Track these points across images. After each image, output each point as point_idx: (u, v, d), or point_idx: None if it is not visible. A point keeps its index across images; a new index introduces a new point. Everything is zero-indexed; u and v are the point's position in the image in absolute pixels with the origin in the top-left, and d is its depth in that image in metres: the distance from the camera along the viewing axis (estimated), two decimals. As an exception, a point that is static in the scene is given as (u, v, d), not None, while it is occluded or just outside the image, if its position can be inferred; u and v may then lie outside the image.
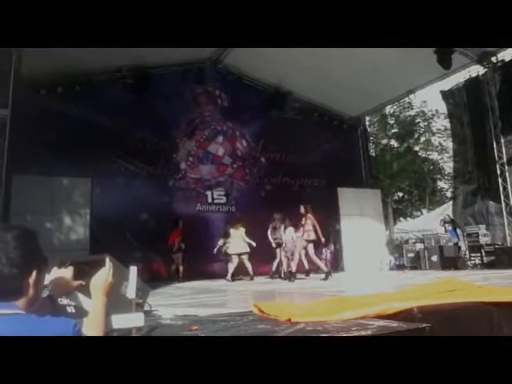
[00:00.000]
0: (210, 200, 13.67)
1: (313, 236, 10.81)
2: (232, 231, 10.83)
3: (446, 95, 16.82)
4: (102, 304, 1.63)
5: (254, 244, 10.66)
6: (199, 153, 13.88)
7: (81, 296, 1.92)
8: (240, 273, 11.19)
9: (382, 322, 2.26)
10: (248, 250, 10.66)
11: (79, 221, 11.12)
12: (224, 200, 13.87)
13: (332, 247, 14.88)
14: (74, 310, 1.97)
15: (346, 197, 14.98)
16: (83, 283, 1.81)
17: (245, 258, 10.67)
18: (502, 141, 13.82)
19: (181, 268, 11.07)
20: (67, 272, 1.80)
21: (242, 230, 10.76)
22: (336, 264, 14.81)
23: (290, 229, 11.19)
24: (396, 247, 15.80)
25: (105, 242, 10.59)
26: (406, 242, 16.05)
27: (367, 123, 19.39)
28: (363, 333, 2.03)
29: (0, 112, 8.87)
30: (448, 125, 21.02)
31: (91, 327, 1.49)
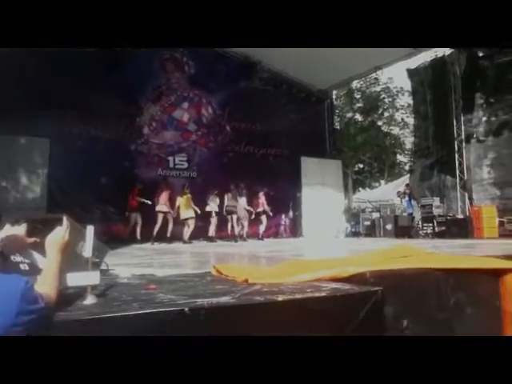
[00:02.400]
0: (171, 165, 13.51)
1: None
2: (179, 199, 11.31)
3: (412, 73, 17.11)
4: (57, 261, 1.62)
5: (198, 211, 11.39)
6: (163, 118, 13.60)
7: (35, 254, 1.88)
8: (197, 236, 11.45)
9: (335, 285, 2.34)
10: (193, 215, 11.23)
11: (36, 180, 10.80)
12: (185, 166, 13.74)
13: (291, 214, 15.21)
14: (27, 268, 1.94)
15: (309, 166, 15.20)
16: (38, 240, 1.78)
17: (191, 222, 11.17)
18: (462, 119, 14.27)
19: (138, 229, 10.99)
20: (21, 229, 1.76)
21: (187, 197, 11.30)
22: (295, 230, 15.17)
23: (243, 199, 11.89)
24: (353, 215, 16.25)
25: (63, 202, 10.37)
26: (363, 210, 16.56)
27: (334, 96, 19.46)
28: (317, 294, 2.10)
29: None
30: (411, 102, 21.46)
31: (44, 284, 1.48)
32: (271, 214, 13.07)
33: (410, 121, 25.37)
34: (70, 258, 1.79)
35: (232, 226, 12.22)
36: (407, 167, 28.01)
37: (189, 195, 11.36)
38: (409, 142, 27.88)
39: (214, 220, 11.80)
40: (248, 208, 12.53)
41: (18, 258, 1.93)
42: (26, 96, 10.36)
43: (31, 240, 1.79)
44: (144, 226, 11.07)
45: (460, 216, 13.32)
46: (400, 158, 31.01)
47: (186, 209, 11.22)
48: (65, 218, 1.75)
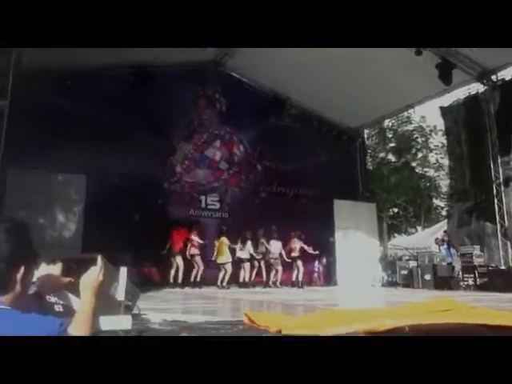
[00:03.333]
0: (203, 205, 13.60)
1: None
2: (216, 242, 11.37)
3: (445, 111, 16.85)
4: (91, 304, 1.59)
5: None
6: (196, 156, 13.83)
7: (70, 295, 1.87)
8: (232, 281, 11.36)
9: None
10: (230, 259, 11.22)
11: (72, 218, 11.03)
12: (217, 206, 13.82)
13: (325, 260, 14.84)
14: (61, 309, 1.93)
15: (342, 209, 14.94)
16: (72, 281, 1.76)
17: (227, 267, 11.14)
18: (499, 161, 13.82)
19: (180, 273, 10.87)
20: (56, 269, 1.76)
21: (223, 241, 11.31)
22: (329, 277, 14.77)
23: (278, 243, 11.75)
24: (389, 264, 15.73)
25: (97, 241, 10.51)
26: (400, 258, 15.99)
27: (365, 136, 19.41)
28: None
29: (-1, 102, 8.81)
30: (445, 142, 21.12)
31: (78, 327, 1.45)
32: (315, 252, 12.80)
33: (445, 162, 24.91)
34: (103, 300, 1.76)
35: (262, 273, 12.02)
36: (444, 212, 27.29)
37: (225, 239, 11.30)
38: (444, 184, 27.28)
39: (245, 265, 11.62)
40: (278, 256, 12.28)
41: (52, 299, 1.93)
42: (62, 131, 10.69)
43: (66, 280, 1.78)
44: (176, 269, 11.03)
45: (503, 267, 12.65)
46: (436, 201, 30.25)
47: (223, 253, 11.12)
48: (99, 258, 1.73)
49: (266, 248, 12.01)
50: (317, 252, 12.83)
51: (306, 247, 12.48)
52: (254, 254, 11.87)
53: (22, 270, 1.29)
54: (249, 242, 11.75)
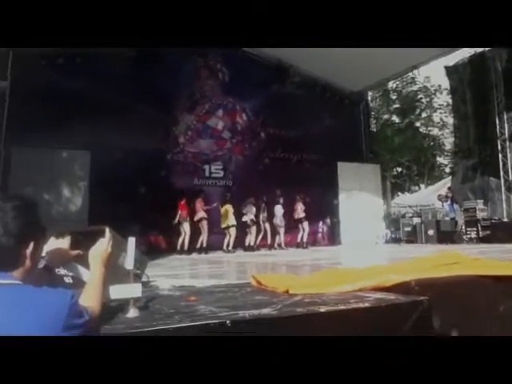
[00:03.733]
0: (207, 174, 13.64)
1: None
2: (221, 208, 11.64)
3: (450, 71, 16.60)
4: (100, 274, 1.63)
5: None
6: (198, 127, 13.77)
7: (79, 267, 1.91)
8: (234, 246, 11.56)
9: (379, 295, 2.27)
10: (235, 223, 11.48)
11: (78, 193, 11.12)
12: (221, 174, 13.85)
13: (329, 221, 15.00)
14: (71, 281, 1.97)
15: (346, 171, 14.99)
16: (81, 253, 1.80)
17: (232, 231, 11.43)
18: (505, 117, 13.70)
19: (186, 239, 11.04)
20: (65, 242, 1.79)
21: (228, 206, 11.57)
22: (333, 237, 14.96)
23: (279, 207, 11.94)
24: (393, 221, 15.88)
25: (103, 214, 10.60)
26: (403, 216, 16.15)
27: (369, 98, 19.18)
28: (361, 305, 2.04)
29: (-1, 84, 8.76)
30: (450, 101, 20.86)
31: (89, 298, 1.49)
32: (305, 220, 12.99)
33: (450, 121, 24.72)
34: (113, 271, 1.80)
35: (267, 236, 12.24)
36: (448, 169, 27.26)
37: (230, 204, 11.47)
38: (449, 142, 27.16)
39: (251, 230, 11.80)
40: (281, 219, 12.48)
41: (62, 271, 1.97)
42: (65, 108, 10.67)
43: (75, 252, 1.82)
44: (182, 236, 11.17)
45: (506, 219, 12.76)
46: (440, 159, 30.18)
47: (227, 217, 11.32)
48: (107, 230, 1.76)
49: (269, 212, 12.16)
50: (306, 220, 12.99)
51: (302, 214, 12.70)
52: (260, 218, 11.99)
53: (32, 245, 1.31)
54: (253, 207, 11.88)
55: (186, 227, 11.04)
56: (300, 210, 12.73)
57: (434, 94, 28.32)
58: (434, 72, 23.76)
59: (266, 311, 1.88)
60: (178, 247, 11.03)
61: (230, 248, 11.29)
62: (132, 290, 1.80)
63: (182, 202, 11.19)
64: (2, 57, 8.51)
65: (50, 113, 10.39)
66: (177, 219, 11.11)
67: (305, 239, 12.81)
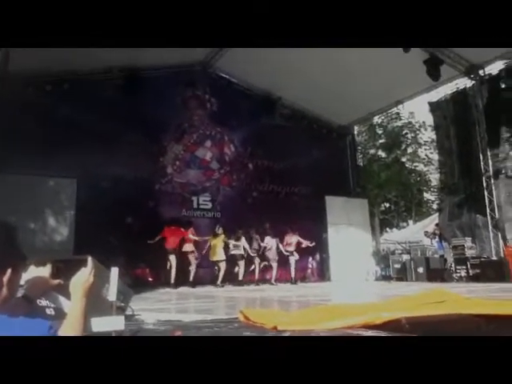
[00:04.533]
0: (195, 205, 13.56)
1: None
2: (211, 240, 11.42)
3: (433, 107, 17.01)
4: (81, 305, 1.55)
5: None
6: (186, 157, 13.78)
7: (61, 297, 1.83)
8: (227, 279, 11.38)
9: (370, 333, 2.21)
10: (224, 257, 11.24)
11: (63, 222, 10.94)
12: (209, 206, 13.78)
13: (318, 256, 14.90)
14: (53, 312, 1.88)
15: (334, 205, 15.04)
16: (62, 282, 1.72)
17: (221, 265, 11.19)
18: (489, 154, 13.94)
19: (173, 271, 10.69)
20: (45, 270, 1.72)
21: (219, 239, 11.38)
22: (322, 273, 14.83)
23: (274, 240, 11.86)
24: (382, 258, 15.82)
25: (89, 244, 10.40)
26: (393, 252, 16.11)
27: (355, 132, 19.48)
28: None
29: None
30: (434, 137, 21.28)
31: (69, 329, 1.41)
32: (311, 244, 12.85)
33: (435, 157, 25.12)
34: (95, 302, 1.73)
35: (256, 270, 12.09)
36: (435, 205, 27.50)
37: (222, 236, 11.31)
38: (434, 178, 27.51)
39: (239, 263, 11.62)
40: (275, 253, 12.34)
41: (43, 303, 1.89)
42: (51, 135, 10.61)
43: (55, 282, 1.74)
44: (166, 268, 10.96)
45: (494, 258, 12.79)
46: (427, 195, 30.49)
47: (216, 251, 11.15)
48: (89, 259, 1.70)
49: (260, 245, 12.04)
50: (313, 243, 12.86)
51: (302, 240, 12.54)
52: (249, 251, 11.86)
53: (9, 272, 1.25)
54: (243, 239, 11.74)
55: (171, 258, 10.79)
56: (294, 242, 12.53)
57: (419, 129, 28.92)
58: (418, 108, 24.33)
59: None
60: (164, 280, 10.80)
61: (219, 282, 11.07)
62: (114, 323, 1.72)
63: (168, 231, 10.97)
64: None
65: (36, 139, 10.32)
66: (155, 241, 10.86)
67: (293, 274, 12.64)
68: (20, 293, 1.58)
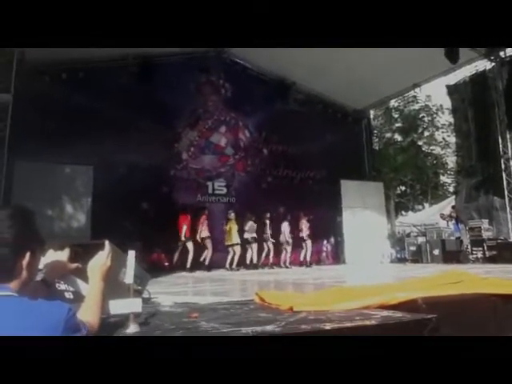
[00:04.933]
0: (210, 191, 13.62)
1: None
2: (225, 226, 11.64)
3: (452, 90, 16.71)
4: (99, 288, 1.59)
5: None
6: (201, 143, 13.81)
7: (79, 281, 1.87)
8: (242, 263, 11.48)
9: (386, 312, 2.21)
10: (239, 241, 11.39)
11: (80, 209, 11.09)
12: (224, 191, 13.83)
13: (333, 240, 14.91)
14: (72, 296, 1.93)
15: (349, 189, 14.98)
16: (80, 266, 1.76)
17: (236, 248, 11.35)
18: (508, 136, 13.69)
19: (189, 257, 10.82)
20: (63, 255, 1.75)
21: (233, 224, 11.52)
22: (337, 256, 14.85)
23: (286, 224, 11.93)
24: (397, 240, 15.77)
25: (105, 230, 10.52)
26: (408, 235, 16.05)
27: (371, 116, 19.25)
28: (367, 322, 1.98)
29: (2, 97, 8.82)
30: (452, 120, 20.94)
31: (87, 312, 1.45)
32: (310, 239, 12.92)
33: (452, 140, 24.77)
34: (112, 285, 1.76)
35: (270, 254, 12.15)
36: (451, 188, 27.20)
37: (234, 222, 11.37)
38: (451, 161, 27.16)
39: (252, 247, 11.71)
40: (289, 236, 12.41)
41: (62, 286, 1.93)
42: (68, 123, 10.72)
43: (73, 265, 1.78)
44: (185, 253, 11.06)
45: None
46: (443, 178, 30.14)
47: (232, 235, 11.26)
48: (107, 243, 1.73)
49: (272, 229, 12.09)
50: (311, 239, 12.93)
51: (306, 232, 12.65)
52: (262, 235, 11.93)
53: (28, 256, 1.27)
54: (255, 224, 11.81)
55: (189, 245, 10.89)
56: (305, 228, 12.66)
57: (436, 113, 28.48)
58: (435, 91, 23.94)
59: (269, 328, 1.83)
60: (180, 264, 10.91)
61: (234, 266, 11.19)
62: (132, 305, 1.75)
63: (185, 219, 11.07)
64: (5, 70, 8.58)
65: (53, 127, 10.45)
66: (182, 236, 10.95)
67: (308, 258, 12.72)
68: (39, 277, 1.62)
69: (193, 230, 11.08)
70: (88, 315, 1.42)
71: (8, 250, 1.21)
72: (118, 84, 11.77)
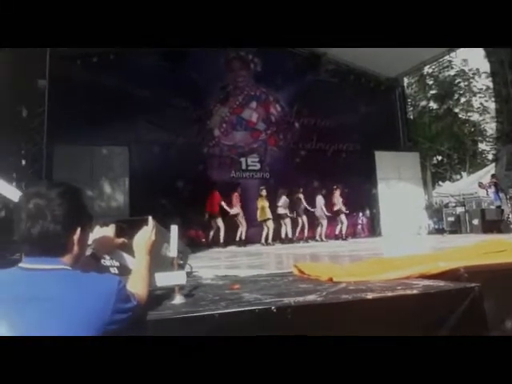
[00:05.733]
0: (243, 167, 13.66)
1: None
2: (258, 202, 11.59)
3: (490, 53, 16.00)
4: (145, 261, 1.65)
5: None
6: (233, 119, 13.81)
7: (125, 255, 1.93)
8: (276, 238, 11.55)
9: (427, 282, 2.20)
10: (271, 216, 11.39)
11: (118, 188, 11.37)
12: (258, 167, 13.84)
13: (368, 212, 14.76)
14: (117, 271, 1.99)
15: (384, 160, 14.71)
16: (126, 241, 1.82)
17: (269, 224, 11.37)
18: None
19: (221, 233, 10.99)
20: (110, 230, 1.82)
21: (263, 199, 11.53)
22: (373, 229, 14.72)
23: (320, 198, 11.87)
24: (435, 211, 15.46)
25: (143, 209, 10.72)
26: (446, 205, 15.70)
27: (405, 84, 18.67)
28: (409, 292, 1.98)
29: (39, 83, 9.04)
30: (490, 84, 20.11)
31: (135, 284, 1.50)
32: (347, 212, 12.81)
33: (490, 105, 23.81)
34: (156, 260, 1.81)
35: (304, 228, 12.17)
36: (490, 156, 26.28)
37: (264, 197, 11.39)
38: (490, 128, 26.17)
39: (285, 222, 11.73)
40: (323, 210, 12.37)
41: (108, 262, 2.00)
42: (101, 105, 10.90)
43: (120, 240, 1.84)
44: (218, 230, 11.19)
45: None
46: (482, 146, 29.08)
47: (264, 211, 11.32)
48: (150, 219, 1.78)
49: (306, 204, 12.09)
50: (347, 211, 12.77)
51: (341, 205, 12.52)
52: (296, 210, 11.96)
53: (78, 231, 1.33)
54: (288, 199, 11.80)
55: (219, 222, 11.01)
56: (338, 202, 12.57)
57: (473, 77, 27.28)
58: (471, 55, 22.93)
59: (310, 298, 1.85)
60: (217, 240, 11.07)
61: (270, 241, 11.28)
62: (177, 278, 1.80)
63: (214, 197, 11.17)
64: (39, 56, 8.77)
65: (87, 110, 10.67)
66: (211, 213, 11.07)
67: (344, 231, 12.67)
68: (88, 251, 1.68)
69: (221, 207, 11.15)
70: (136, 287, 1.48)
71: (60, 227, 1.26)
72: (147, 65, 11.85)
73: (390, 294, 1.94)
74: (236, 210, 11.25)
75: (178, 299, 1.79)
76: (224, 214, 11.16)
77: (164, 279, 1.78)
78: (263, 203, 11.46)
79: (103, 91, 11.13)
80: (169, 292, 1.86)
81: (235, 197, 11.34)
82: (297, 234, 12.14)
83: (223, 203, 11.07)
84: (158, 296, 1.84)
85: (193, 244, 9.77)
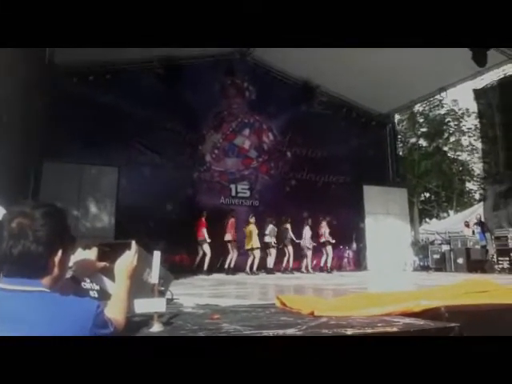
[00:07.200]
0: (233, 193, 13.67)
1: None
2: (245, 229, 11.57)
3: (478, 94, 16.37)
4: (126, 287, 1.63)
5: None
6: (225, 145, 13.89)
7: (105, 278, 1.91)
8: (262, 267, 11.48)
9: (408, 320, 2.20)
10: (259, 244, 11.38)
11: (105, 209, 11.28)
12: (248, 194, 13.87)
13: (355, 246, 14.77)
14: (96, 295, 1.97)
15: (372, 195, 14.83)
16: (107, 265, 1.81)
17: (256, 253, 11.32)
18: (537, 143, 13.35)
19: (206, 259, 10.93)
20: (92, 253, 1.80)
21: (252, 227, 11.49)
22: (359, 263, 14.70)
23: (307, 229, 11.90)
24: (421, 248, 15.52)
25: (129, 231, 10.67)
26: (432, 243, 15.77)
27: (396, 121, 19.00)
28: (389, 329, 1.97)
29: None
30: (479, 124, 20.49)
31: (114, 309, 1.48)
32: (333, 241, 12.80)
33: (479, 145, 24.20)
34: (137, 285, 1.80)
35: (290, 259, 12.14)
36: (477, 195, 26.60)
37: (253, 225, 11.37)
38: (478, 167, 26.56)
39: (271, 251, 11.69)
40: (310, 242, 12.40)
41: (87, 285, 1.97)
42: (96, 126, 10.94)
43: (101, 264, 1.83)
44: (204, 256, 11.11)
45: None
46: (469, 185, 29.46)
47: (252, 239, 11.26)
48: (133, 243, 1.77)
49: (293, 233, 12.06)
50: (333, 241, 12.75)
51: (327, 236, 12.55)
52: (283, 240, 11.92)
53: (60, 253, 1.32)
54: (276, 228, 11.81)
55: (205, 248, 10.93)
56: (325, 233, 12.59)
57: (462, 117, 27.80)
58: (461, 95, 23.47)
59: (290, 331, 1.84)
60: (196, 267, 10.96)
61: (254, 270, 11.20)
62: (156, 305, 1.78)
63: (203, 223, 11.12)
64: (34, 73, 8.81)
65: (79, 128, 10.68)
66: (199, 239, 11.00)
67: (329, 263, 12.64)
68: (68, 274, 1.66)
69: (210, 233, 11.10)
70: (115, 313, 1.46)
71: (42, 247, 1.25)
72: (143, 86, 11.97)
73: (370, 330, 1.94)
74: (229, 236, 11.19)
75: (156, 327, 1.76)
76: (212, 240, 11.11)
77: (143, 306, 1.76)
78: (251, 231, 11.42)
79: (97, 110, 11.15)
80: (147, 319, 1.83)
81: (231, 223, 11.30)
82: (283, 265, 12.07)
83: (204, 230, 10.98)
84: (137, 323, 1.81)
85: (176, 269, 9.66)
